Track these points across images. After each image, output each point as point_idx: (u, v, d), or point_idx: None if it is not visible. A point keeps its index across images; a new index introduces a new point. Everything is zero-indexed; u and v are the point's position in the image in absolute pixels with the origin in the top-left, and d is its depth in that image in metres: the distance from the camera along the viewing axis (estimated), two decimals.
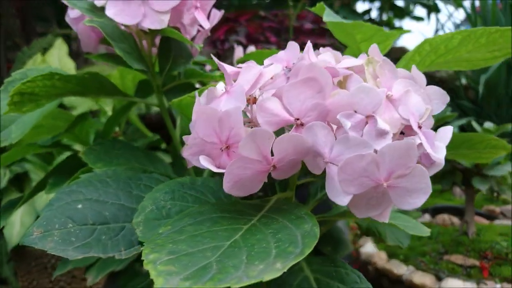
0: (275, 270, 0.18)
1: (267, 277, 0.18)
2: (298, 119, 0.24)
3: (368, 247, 1.03)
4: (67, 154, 1.01)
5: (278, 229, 0.23)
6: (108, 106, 0.62)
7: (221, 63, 0.27)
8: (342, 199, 0.23)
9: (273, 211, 0.27)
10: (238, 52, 0.61)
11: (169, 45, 0.42)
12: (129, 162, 0.42)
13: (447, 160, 1.02)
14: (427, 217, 1.22)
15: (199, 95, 0.34)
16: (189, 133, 0.43)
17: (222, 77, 0.44)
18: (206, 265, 0.19)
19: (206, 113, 0.24)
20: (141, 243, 0.30)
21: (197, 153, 0.25)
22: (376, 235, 0.41)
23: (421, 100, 0.27)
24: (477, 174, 0.93)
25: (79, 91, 0.40)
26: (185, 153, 0.26)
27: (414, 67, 0.28)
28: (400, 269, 0.89)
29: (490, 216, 1.18)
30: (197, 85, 0.58)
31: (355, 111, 0.24)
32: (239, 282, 0.17)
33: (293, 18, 0.98)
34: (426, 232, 0.37)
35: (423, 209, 1.28)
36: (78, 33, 0.41)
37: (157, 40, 0.43)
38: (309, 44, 0.27)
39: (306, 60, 0.26)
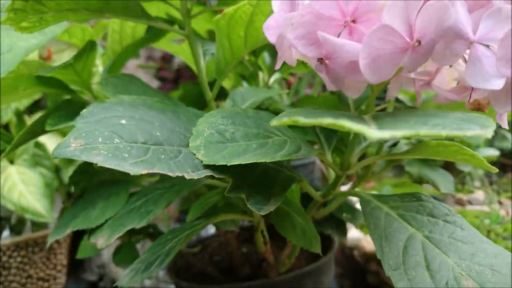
0: (469, 128, 0.14)
1: (468, 133, 0.14)
2: None
3: (353, 233, 1.01)
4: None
5: (417, 120, 0.19)
6: (99, 59, 0.53)
7: None
8: (494, 83, 0.19)
9: (384, 116, 0.22)
10: None
11: None
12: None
13: None
14: None
15: None
16: (223, 68, 0.37)
17: None
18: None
19: None
20: (206, 167, 0.24)
21: (306, 35, 0.20)
22: (429, 183, 0.38)
23: None
24: None
25: (97, 8, 0.33)
26: (291, 35, 0.20)
27: None
28: None
29: (459, 204, 1.22)
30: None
31: None
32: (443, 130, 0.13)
33: None
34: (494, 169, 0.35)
35: None
36: None
37: None
38: None
39: None
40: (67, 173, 0.94)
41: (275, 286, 0.46)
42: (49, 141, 0.92)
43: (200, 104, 0.49)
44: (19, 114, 0.84)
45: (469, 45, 0.20)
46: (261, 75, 0.60)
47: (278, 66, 0.24)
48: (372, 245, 0.94)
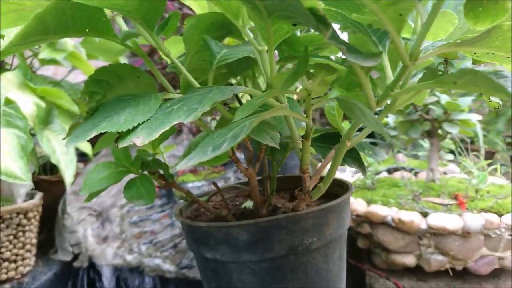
0: None
1: None
2: None
3: None
4: None
5: None
6: None
7: None
8: None
9: None
10: None
11: None
12: None
13: (416, 111, 1.04)
14: (385, 174, 1.26)
15: None
16: None
17: None
18: None
19: None
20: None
21: None
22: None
23: None
24: (446, 120, 0.98)
25: None
26: None
27: None
28: (384, 211, 0.88)
29: None
30: None
31: None
32: None
33: None
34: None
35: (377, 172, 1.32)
36: None
37: None
38: None
39: None
40: (42, 135, 0.85)
41: (303, 218, 0.44)
42: (21, 99, 0.83)
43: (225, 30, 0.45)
44: None
45: None
46: None
47: None
48: (364, 207, 0.93)
